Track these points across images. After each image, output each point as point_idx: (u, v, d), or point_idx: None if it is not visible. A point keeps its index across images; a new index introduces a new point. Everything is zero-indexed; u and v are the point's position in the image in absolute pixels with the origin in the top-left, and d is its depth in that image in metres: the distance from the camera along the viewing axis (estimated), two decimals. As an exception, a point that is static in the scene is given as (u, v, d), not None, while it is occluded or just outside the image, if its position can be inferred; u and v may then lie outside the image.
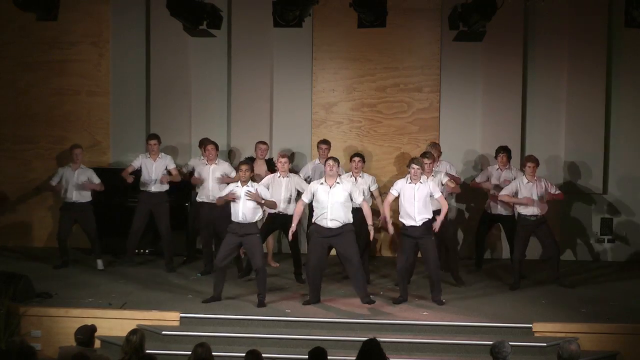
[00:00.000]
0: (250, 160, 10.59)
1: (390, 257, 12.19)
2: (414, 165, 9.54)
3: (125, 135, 12.45)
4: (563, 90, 12.09)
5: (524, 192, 10.30)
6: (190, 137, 12.36)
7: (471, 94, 12.20)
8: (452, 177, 10.68)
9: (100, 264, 11.13)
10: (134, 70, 12.42)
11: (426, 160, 10.01)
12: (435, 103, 12.29)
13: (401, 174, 12.16)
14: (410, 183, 9.59)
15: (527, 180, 10.33)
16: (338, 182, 9.49)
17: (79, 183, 10.99)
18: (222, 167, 10.95)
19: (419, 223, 9.54)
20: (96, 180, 11.11)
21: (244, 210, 9.57)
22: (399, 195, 9.66)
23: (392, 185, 9.83)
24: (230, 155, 12.34)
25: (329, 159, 9.63)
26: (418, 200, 9.51)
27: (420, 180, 9.56)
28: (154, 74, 12.40)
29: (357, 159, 10.61)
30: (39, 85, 12.56)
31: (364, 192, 10.46)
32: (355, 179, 10.54)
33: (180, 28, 10.18)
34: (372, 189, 10.68)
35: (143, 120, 12.47)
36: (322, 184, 9.51)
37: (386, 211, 9.73)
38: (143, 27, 12.36)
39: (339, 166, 9.69)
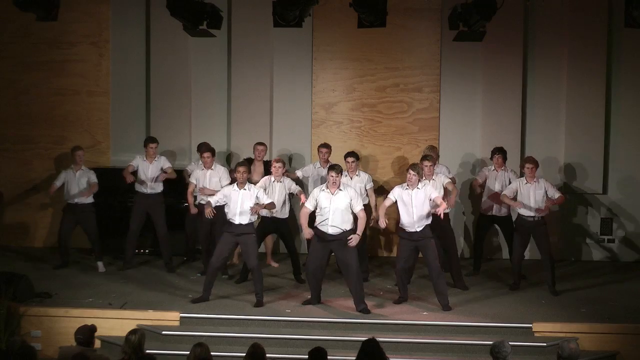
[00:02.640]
0: (248, 162, 10.59)
1: (390, 257, 12.20)
2: (410, 171, 9.47)
3: (125, 135, 12.45)
4: (563, 90, 12.09)
5: (523, 193, 10.27)
6: (190, 137, 12.36)
7: (471, 94, 12.20)
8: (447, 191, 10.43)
9: (101, 266, 11.12)
10: (134, 70, 12.42)
11: (426, 163, 9.96)
12: (435, 103, 12.29)
13: (401, 174, 12.21)
14: (407, 189, 9.54)
15: (526, 181, 10.32)
16: (340, 189, 9.45)
17: (80, 186, 11.00)
18: (218, 172, 10.88)
19: (418, 229, 9.50)
20: (93, 180, 11.09)
21: (241, 211, 9.59)
22: (396, 202, 9.59)
23: (390, 191, 9.76)
24: (229, 157, 12.34)
25: (331, 170, 9.45)
26: (416, 206, 9.46)
27: (418, 186, 9.51)
28: (154, 74, 12.40)
29: (350, 159, 10.65)
30: (39, 85, 12.57)
31: (360, 191, 10.51)
32: (351, 177, 10.58)
33: (180, 28, 10.18)
34: (368, 187, 10.68)
35: (143, 120, 12.47)
36: (323, 190, 9.47)
37: (380, 213, 9.56)
38: (143, 27, 12.37)
39: (341, 174, 9.55)
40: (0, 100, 12.62)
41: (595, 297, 10.14)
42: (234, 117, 12.39)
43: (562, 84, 12.09)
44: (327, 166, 9.88)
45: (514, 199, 10.34)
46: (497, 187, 10.89)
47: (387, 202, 9.59)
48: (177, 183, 11.76)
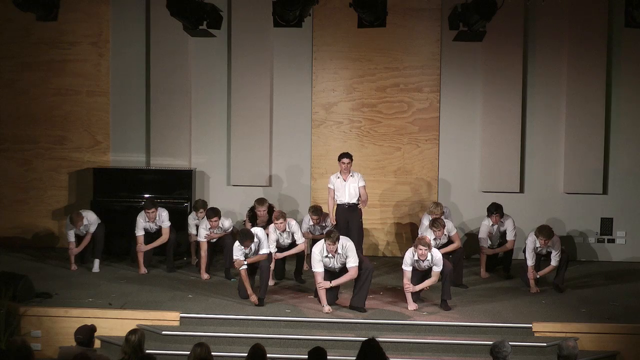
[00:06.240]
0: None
1: (390, 258, 12.20)
2: (421, 247, 9.34)
3: (125, 135, 12.46)
4: (563, 90, 12.09)
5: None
6: (190, 137, 12.36)
7: (471, 94, 12.21)
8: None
9: (96, 265, 11.10)
10: (134, 70, 12.42)
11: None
12: (435, 103, 12.29)
13: (401, 175, 12.26)
14: (418, 260, 9.46)
15: (539, 246, 10.31)
16: (339, 253, 9.29)
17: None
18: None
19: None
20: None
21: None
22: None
23: (403, 261, 9.55)
24: (229, 158, 12.34)
25: (327, 239, 9.27)
26: (425, 271, 9.59)
27: (428, 258, 9.42)
28: (154, 74, 12.39)
29: (345, 160, 10.76)
30: (39, 85, 12.57)
31: (355, 191, 10.74)
32: (345, 179, 10.72)
33: (180, 28, 10.17)
34: (360, 185, 10.82)
35: (143, 120, 12.47)
36: (326, 256, 9.35)
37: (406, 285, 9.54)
38: (143, 27, 12.37)
39: (337, 242, 9.32)
40: (0, 100, 12.62)
41: (595, 297, 10.14)
42: (233, 117, 12.38)
43: (562, 84, 12.09)
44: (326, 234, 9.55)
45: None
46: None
47: (407, 274, 9.51)
48: (175, 184, 11.79)
